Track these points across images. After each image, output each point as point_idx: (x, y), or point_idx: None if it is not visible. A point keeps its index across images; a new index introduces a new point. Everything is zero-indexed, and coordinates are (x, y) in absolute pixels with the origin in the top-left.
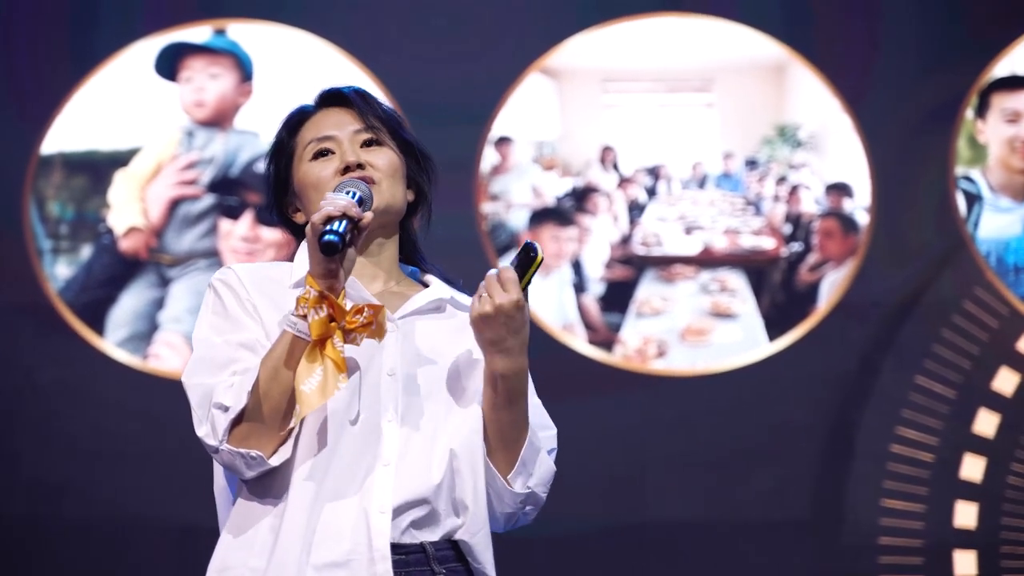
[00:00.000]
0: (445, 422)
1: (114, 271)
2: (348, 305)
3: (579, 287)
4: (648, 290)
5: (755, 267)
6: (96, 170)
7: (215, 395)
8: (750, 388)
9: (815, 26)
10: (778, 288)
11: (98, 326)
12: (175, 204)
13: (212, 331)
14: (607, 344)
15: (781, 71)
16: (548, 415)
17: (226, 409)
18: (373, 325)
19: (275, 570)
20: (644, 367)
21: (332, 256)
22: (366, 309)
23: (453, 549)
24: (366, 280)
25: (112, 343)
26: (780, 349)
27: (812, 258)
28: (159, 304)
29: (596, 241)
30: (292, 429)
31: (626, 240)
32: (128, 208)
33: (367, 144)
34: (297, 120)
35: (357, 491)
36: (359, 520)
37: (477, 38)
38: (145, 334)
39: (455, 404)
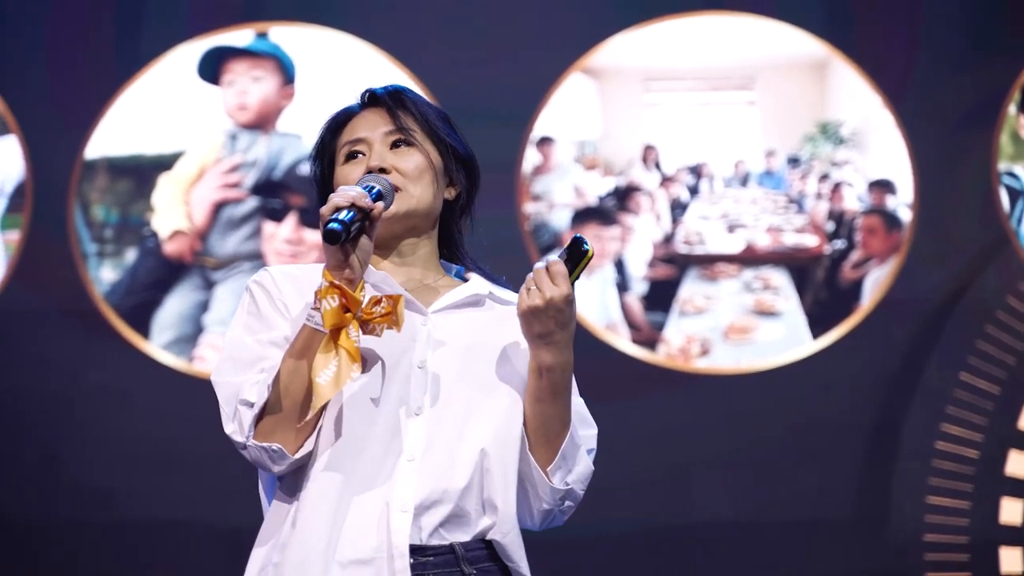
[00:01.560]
0: (474, 418)
1: (159, 274)
2: (367, 296)
3: (622, 286)
4: (691, 288)
5: (798, 265)
6: (140, 174)
7: (241, 392)
8: (794, 386)
9: (856, 23)
10: (821, 286)
11: (143, 329)
12: (219, 207)
13: (244, 330)
14: (650, 343)
15: (822, 68)
16: (590, 415)
17: (251, 405)
18: (393, 316)
19: (302, 567)
20: (688, 366)
21: (335, 244)
22: (384, 300)
23: (486, 549)
24: (400, 278)
25: (158, 346)
26: (824, 347)
27: (855, 255)
28: (204, 307)
29: (639, 240)
30: (312, 422)
31: (669, 239)
32: (172, 211)
33: (397, 145)
34: (339, 121)
35: (381, 486)
36: (382, 516)
37: (518, 38)
38: (190, 337)
39: (486, 399)
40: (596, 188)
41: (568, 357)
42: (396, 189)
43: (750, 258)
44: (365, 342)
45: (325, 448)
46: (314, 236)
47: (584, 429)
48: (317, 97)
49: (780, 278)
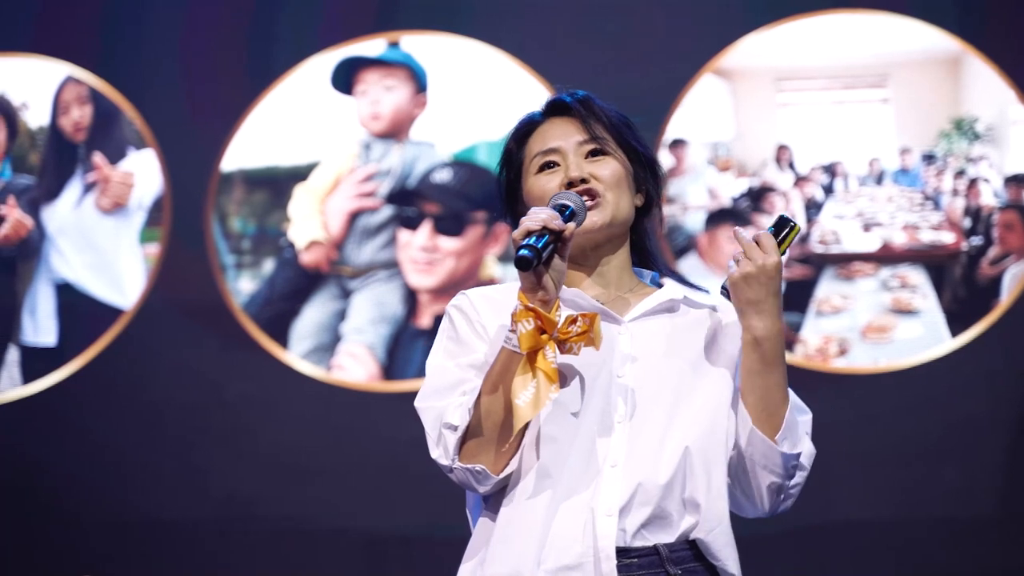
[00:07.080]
0: (676, 421)
1: (296, 284)
2: (563, 315)
3: None
4: (828, 288)
5: (935, 262)
6: (276, 185)
7: (445, 415)
8: (934, 384)
9: (988, 18)
10: (959, 283)
11: (282, 339)
12: (354, 216)
13: (444, 355)
14: (788, 344)
15: (956, 64)
16: (801, 402)
17: (455, 428)
18: (590, 334)
19: None
20: (826, 366)
21: (526, 271)
22: (580, 319)
23: (691, 549)
24: (595, 290)
25: (296, 355)
26: (963, 344)
27: (993, 251)
28: (341, 316)
29: None
30: (515, 443)
31: (804, 239)
32: (308, 222)
33: (592, 154)
34: (525, 130)
35: (585, 493)
36: (587, 522)
37: (649, 41)
38: (328, 346)
39: (687, 403)
40: (730, 189)
41: (779, 326)
42: (595, 196)
43: (887, 256)
44: (564, 358)
45: (529, 464)
46: (449, 243)
47: (800, 415)
48: (449, 105)
49: (917, 276)
